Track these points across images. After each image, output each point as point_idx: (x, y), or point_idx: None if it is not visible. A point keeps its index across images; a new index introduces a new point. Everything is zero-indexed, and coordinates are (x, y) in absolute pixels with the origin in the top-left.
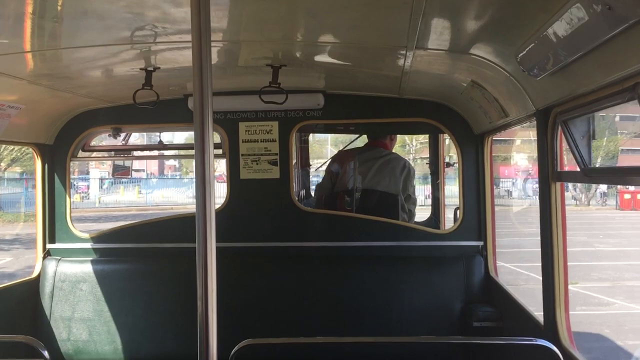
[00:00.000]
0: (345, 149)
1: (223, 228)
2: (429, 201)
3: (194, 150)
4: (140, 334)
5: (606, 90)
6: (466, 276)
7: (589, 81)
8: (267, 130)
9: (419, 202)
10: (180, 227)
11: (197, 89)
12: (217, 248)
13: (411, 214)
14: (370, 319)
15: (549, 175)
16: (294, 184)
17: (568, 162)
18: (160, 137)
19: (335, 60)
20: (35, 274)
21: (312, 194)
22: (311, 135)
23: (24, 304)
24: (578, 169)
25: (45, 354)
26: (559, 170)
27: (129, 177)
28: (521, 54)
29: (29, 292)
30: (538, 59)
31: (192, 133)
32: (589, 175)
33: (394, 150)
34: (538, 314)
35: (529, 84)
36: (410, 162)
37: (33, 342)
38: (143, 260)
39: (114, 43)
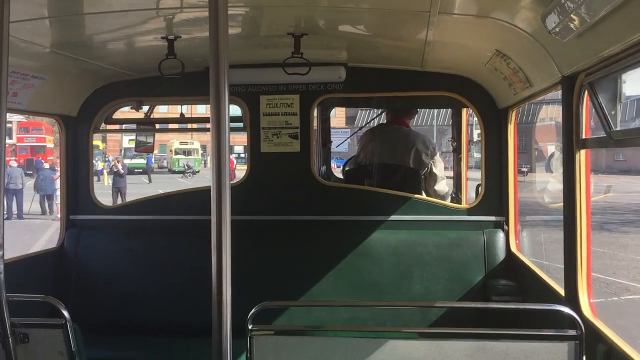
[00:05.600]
0: (368, 127)
1: (243, 201)
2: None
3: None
4: (158, 303)
5: (634, 48)
6: (487, 251)
7: (616, 40)
8: (288, 103)
9: None
10: (199, 199)
11: (213, 60)
12: (237, 221)
13: (437, 192)
14: (389, 290)
15: (573, 142)
16: (314, 157)
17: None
18: (181, 110)
19: (357, 29)
20: (58, 244)
21: (333, 170)
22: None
23: (47, 273)
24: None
25: (66, 313)
26: (583, 137)
27: (153, 153)
28: (546, 15)
29: (53, 262)
30: (564, 19)
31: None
32: (616, 138)
33: None
34: (559, 285)
35: (554, 49)
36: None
37: (53, 302)
38: (162, 231)
39: (137, 9)
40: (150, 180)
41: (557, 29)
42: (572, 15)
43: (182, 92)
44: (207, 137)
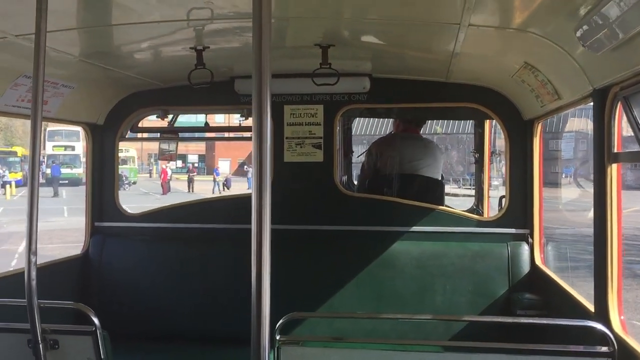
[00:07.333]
0: (383, 136)
1: None
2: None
3: (236, 133)
4: (183, 310)
5: None
6: (510, 264)
7: None
8: (312, 113)
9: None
10: (223, 207)
11: (256, 71)
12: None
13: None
14: (411, 301)
15: (605, 156)
16: (337, 168)
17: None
18: (206, 119)
19: (384, 40)
20: (83, 251)
21: (355, 180)
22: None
23: (71, 279)
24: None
25: (95, 320)
26: (615, 151)
27: (175, 160)
28: (581, 29)
29: (78, 268)
30: (598, 33)
31: (236, 116)
32: None
33: None
34: (588, 300)
35: (587, 62)
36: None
37: (83, 309)
38: (186, 239)
39: (168, 20)
40: (55, 194)
41: (590, 43)
42: (607, 30)
43: (207, 101)
44: (148, 146)
